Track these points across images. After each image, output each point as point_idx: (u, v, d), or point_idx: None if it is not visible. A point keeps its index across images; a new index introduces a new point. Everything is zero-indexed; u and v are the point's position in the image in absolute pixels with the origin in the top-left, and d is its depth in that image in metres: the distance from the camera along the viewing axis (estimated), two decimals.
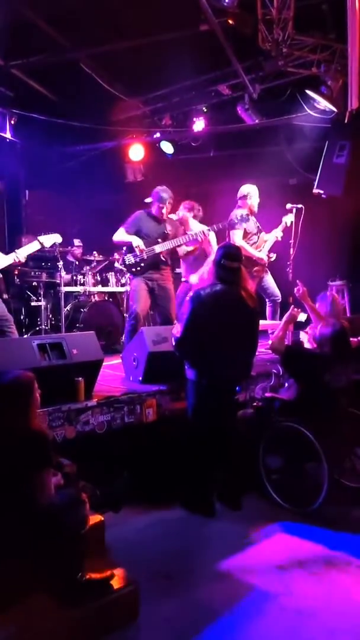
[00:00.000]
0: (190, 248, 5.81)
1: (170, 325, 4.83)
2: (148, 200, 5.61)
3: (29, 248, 4.77)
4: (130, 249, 5.41)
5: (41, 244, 4.87)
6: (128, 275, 5.98)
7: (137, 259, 5.38)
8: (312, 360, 4.05)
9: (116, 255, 7.19)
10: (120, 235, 5.48)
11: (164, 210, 5.48)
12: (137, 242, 5.34)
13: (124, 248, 5.57)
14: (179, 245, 5.57)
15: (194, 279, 5.82)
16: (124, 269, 5.72)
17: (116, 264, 7.17)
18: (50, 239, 5.01)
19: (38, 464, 2.59)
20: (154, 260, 5.41)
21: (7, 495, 2.54)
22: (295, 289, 4.64)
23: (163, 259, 5.47)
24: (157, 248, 5.39)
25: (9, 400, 2.69)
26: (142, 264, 5.38)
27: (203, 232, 5.62)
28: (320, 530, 3.63)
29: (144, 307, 5.42)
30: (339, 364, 3.96)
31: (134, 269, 5.43)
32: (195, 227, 5.86)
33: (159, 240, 5.42)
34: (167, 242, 5.42)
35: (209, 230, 5.63)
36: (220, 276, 3.78)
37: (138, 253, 5.34)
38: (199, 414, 3.86)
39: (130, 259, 5.42)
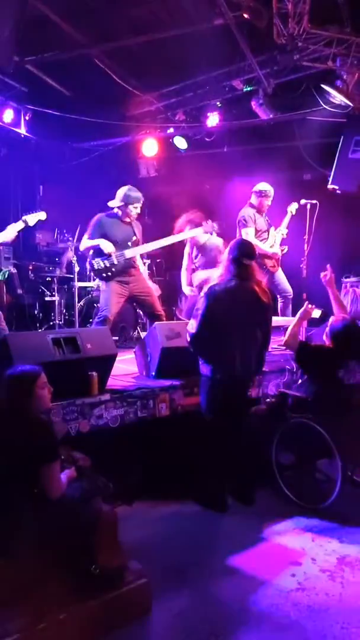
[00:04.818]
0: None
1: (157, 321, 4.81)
2: (112, 203, 5.18)
3: (14, 227, 4.77)
4: (98, 252, 5.05)
5: (25, 222, 4.87)
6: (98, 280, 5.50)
7: (108, 264, 5.00)
8: (326, 356, 4.03)
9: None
10: (85, 243, 5.16)
11: (132, 213, 5.11)
12: (105, 244, 4.98)
13: (91, 252, 5.16)
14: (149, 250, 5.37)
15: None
16: (93, 274, 5.41)
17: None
18: (35, 217, 5.01)
19: (44, 456, 2.61)
20: (125, 264, 5.07)
21: (16, 488, 2.57)
22: (322, 274, 4.50)
23: (134, 263, 5.19)
24: (128, 253, 5.06)
25: (14, 394, 2.71)
26: (113, 269, 5.01)
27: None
28: (333, 527, 3.62)
29: (115, 312, 5.07)
30: (353, 359, 3.94)
31: (104, 274, 5.03)
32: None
33: (129, 244, 5.09)
34: (137, 247, 5.14)
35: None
36: (235, 273, 3.78)
37: (108, 257, 4.99)
38: (213, 409, 3.86)
39: (99, 263, 5.02)
